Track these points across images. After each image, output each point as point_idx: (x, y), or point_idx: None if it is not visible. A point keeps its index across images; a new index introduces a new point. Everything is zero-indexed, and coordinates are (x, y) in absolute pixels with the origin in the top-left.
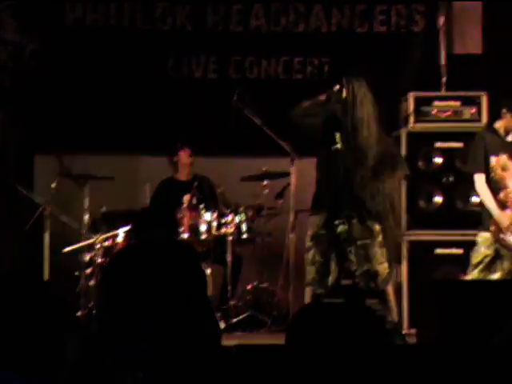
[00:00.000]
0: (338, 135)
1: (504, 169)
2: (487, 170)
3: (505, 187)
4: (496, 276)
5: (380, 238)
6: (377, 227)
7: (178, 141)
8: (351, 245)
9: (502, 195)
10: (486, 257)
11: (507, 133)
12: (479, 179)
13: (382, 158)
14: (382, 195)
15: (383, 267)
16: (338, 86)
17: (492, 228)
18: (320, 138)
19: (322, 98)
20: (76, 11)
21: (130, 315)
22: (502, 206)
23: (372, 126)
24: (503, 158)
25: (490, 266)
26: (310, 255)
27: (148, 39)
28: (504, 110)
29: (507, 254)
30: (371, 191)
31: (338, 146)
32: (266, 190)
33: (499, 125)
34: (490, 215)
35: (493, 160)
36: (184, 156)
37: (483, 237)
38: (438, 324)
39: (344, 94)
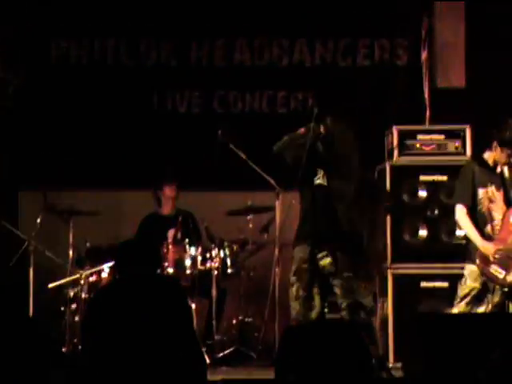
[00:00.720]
0: (320, 172)
1: (491, 201)
2: (474, 202)
3: (492, 220)
4: (483, 309)
5: (363, 272)
6: (359, 260)
7: (163, 175)
8: (336, 277)
9: (488, 228)
10: (472, 289)
11: (496, 164)
12: (461, 210)
13: (361, 191)
14: (364, 228)
15: (368, 300)
16: (314, 123)
17: (477, 261)
18: (302, 172)
19: (302, 131)
20: (60, 47)
21: (115, 350)
22: (489, 238)
23: (352, 163)
24: (491, 189)
25: (477, 298)
26: (293, 290)
27: (132, 75)
28: (495, 144)
29: (494, 286)
30: (352, 225)
31: (320, 181)
32: (251, 225)
33: (488, 156)
34: (475, 247)
35: (480, 192)
36: (169, 190)
37: (470, 269)
38: (423, 357)
39: (322, 130)
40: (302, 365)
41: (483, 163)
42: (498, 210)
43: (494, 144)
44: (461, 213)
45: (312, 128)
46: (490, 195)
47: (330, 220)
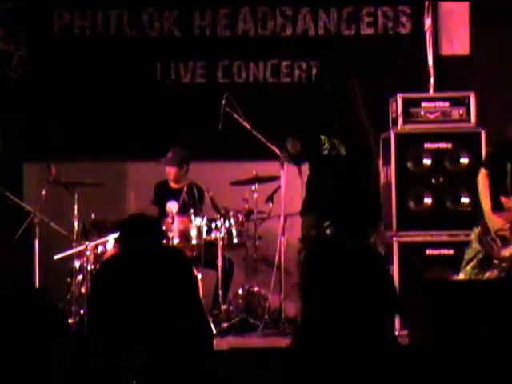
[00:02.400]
0: (322, 137)
1: None
2: (501, 171)
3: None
4: (490, 274)
5: (372, 240)
6: (369, 229)
7: (165, 156)
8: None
9: (504, 199)
10: (477, 253)
11: None
12: (482, 173)
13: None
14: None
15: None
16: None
17: (479, 228)
18: (307, 145)
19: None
20: (63, 19)
21: (121, 321)
22: (501, 208)
23: (364, 124)
24: None
25: (483, 262)
26: (301, 257)
27: (135, 46)
28: None
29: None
30: (370, 189)
31: (326, 149)
32: (256, 194)
33: None
34: (482, 213)
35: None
36: (169, 171)
37: (475, 233)
38: (429, 325)
39: (328, 87)
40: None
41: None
42: None
43: None
44: (482, 175)
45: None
46: None
47: (337, 189)
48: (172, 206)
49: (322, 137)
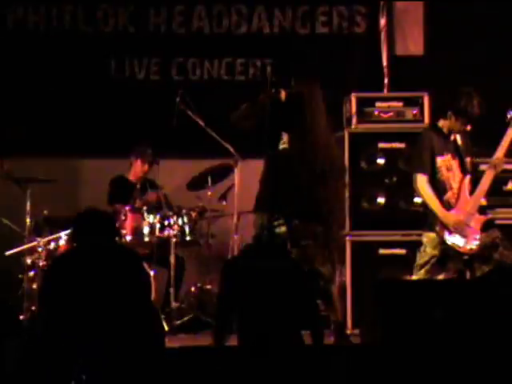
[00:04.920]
0: (286, 136)
1: (449, 169)
2: (433, 170)
3: (450, 188)
4: (442, 276)
5: (321, 240)
6: (318, 229)
7: (141, 149)
8: (293, 246)
9: (447, 195)
10: (432, 257)
11: (450, 133)
12: (422, 179)
13: (329, 162)
14: (326, 198)
15: (326, 268)
16: (277, 88)
17: (437, 228)
18: (266, 139)
19: (261, 98)
20: (17, 13)
21: (72, 318)
22: (448, 206)
23: (321, 128)
24: (448, 157)
25: (436, 266)
26: None
27: (90, 42)
28: (450, 113)
29: (455, 253)
30: (315, 193)
31: (285, 145)
32: (210, 192)
33: (443, 124)
34: (435, 215)
35: (438, 161)
36: (141, 165)
37: (429, 237)
38: (380, 324)
39: (282, 95)
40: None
41: (438, 131)
42: (455, 179)
43: (449, 113)
44: (421, 182)
45: (271, 94)
46: (447, 163)
47: (290, 187)
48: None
49: (285, 135)
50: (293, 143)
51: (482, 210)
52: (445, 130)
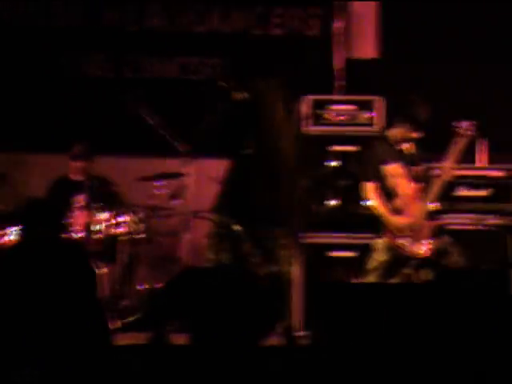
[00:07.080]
0: (247, 141)
1: (397, 176)
2: (382, 178)
3: (399, 195)
4: (394, 281)
5: (283, 241)
6: (280, 230)
7: (73, 149)
8: (255, 247)
9: (396, 202)
10: (382, 263)
11: (398, 140)
12: (370, 188)
13: (283, 164)
14: (287, 199)
15: (286, 269)
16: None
17: (387, 234)
18: (229, 141)
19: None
20: None
21: (14, 315)
22: (397, 212)
23: (281, 128)
24: (396, 165)
25: (386, 271)
26: (208, 254)
27: (42, 36)
28: (398, 121)
29: (404, 258)
30: (273, 196)
31: (249, 150)
32: (162, 191)
33: (391, 133)
34: (384, 222)
35: (387, 168)
36: (73, 164)
37: (379, 243)
38: (328, 326)
39: (241, 96)
40: None
41: (387, 140)
42: (404, 186)
43: (397, 121)
44: (370, 190)
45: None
46: (396, 171)
47: (253, 190)
48: (78, 200)
49: (247, 140)
50: (255, 146)
51: (431, 216)
52: (393, 139)
